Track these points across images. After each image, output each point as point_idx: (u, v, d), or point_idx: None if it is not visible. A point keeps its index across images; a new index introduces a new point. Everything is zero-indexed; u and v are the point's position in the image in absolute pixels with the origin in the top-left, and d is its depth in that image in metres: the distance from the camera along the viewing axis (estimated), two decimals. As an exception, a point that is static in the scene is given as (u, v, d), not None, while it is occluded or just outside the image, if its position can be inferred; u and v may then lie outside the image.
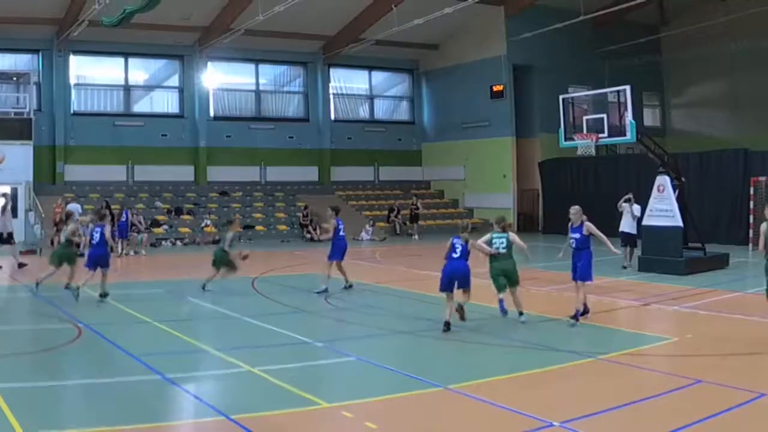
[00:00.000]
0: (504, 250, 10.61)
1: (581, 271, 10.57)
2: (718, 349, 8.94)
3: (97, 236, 12.69)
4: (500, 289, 10.68)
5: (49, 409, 6.59)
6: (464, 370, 8.06)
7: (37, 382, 7.39)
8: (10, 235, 17.84)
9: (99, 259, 12.66)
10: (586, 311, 10.77)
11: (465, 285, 10.30)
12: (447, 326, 9.97)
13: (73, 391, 7.23)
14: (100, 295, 12.58)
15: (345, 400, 6.80)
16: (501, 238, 10.65)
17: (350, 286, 13.94)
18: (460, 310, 10.14)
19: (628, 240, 16.90)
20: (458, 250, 10.28)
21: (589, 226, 10.60)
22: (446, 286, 10.20)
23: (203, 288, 13.71)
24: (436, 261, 18.76)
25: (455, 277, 10.18)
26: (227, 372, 7.95)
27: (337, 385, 7.77)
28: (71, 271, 13.05)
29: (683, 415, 6.34)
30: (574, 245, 10.71)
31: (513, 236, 10.85)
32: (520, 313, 10.64)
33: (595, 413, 6.40)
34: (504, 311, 10.74)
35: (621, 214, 17.10)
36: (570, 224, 10.86)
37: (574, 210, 10.79)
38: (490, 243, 10.66)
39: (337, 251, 13.95)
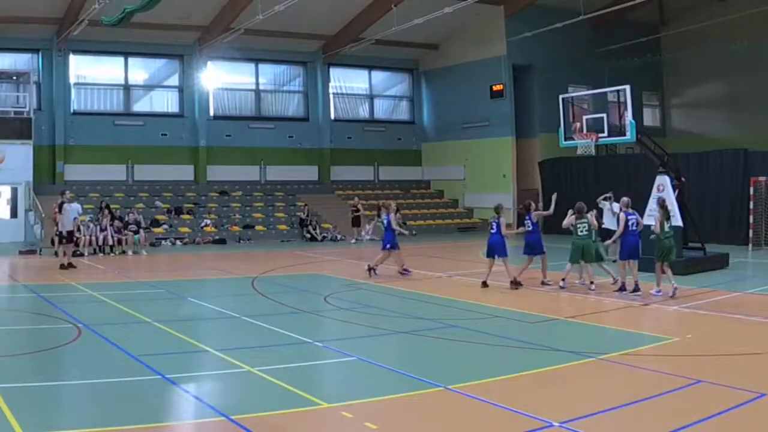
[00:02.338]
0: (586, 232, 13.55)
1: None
2: (718, 349, 8.94)
3: (384, 223, 16.17)
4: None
5: (49, 409, 6.58)
6: (464, 370, 8.05)
7: (37, 382, 7.38)
8: (70, 234, 18.06)
9: (391, 241, 15.97)
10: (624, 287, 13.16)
11: (500, 254, 13.75)
12: (484, 284, 13.79)
13: (73, 391, 7.22)
14: (369, 268, 15.83)
15: (345, 400, 6.79)
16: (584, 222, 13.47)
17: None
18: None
19: (610, 236, 17.08)
20: (494, 227, 13.80)
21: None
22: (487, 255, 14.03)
23: None
24: (437, 262, 18.86)
25: (491, 247, 13.79)
26: (227, 372, 7.94)
27: (337, 385, 7.76)
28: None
29: (683, 415, 6.34)
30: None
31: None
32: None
33: (595, 413, 6.40)
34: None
35: (602, 211, 17.54)
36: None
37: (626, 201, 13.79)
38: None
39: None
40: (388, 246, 16.04)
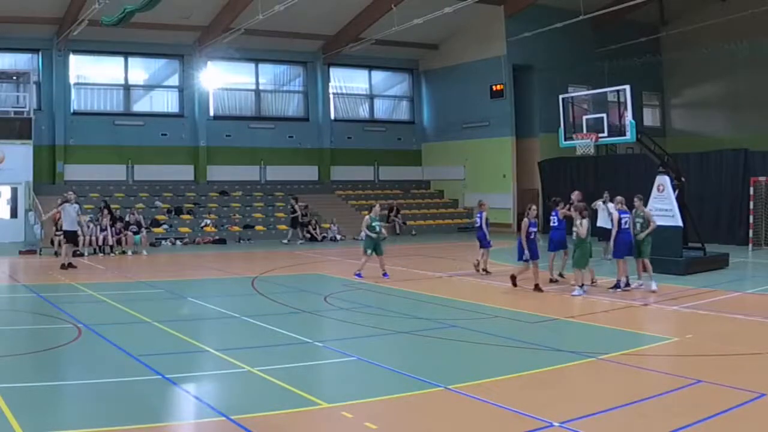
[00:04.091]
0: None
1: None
2: (718, 349, 8.94)
3: (477, 222, 16.21)
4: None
5: (49, 409, 6.59)
6: (464, 370, 8.05)
7: (37, 382, 7.38)
8: (75, 233, 18.03)
9: (482, 240, 15.97)
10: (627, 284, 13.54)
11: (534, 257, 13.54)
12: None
13: (73, 391, 7.22)
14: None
15: (345, 400, 6.80)
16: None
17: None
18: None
19: (605, 235, 17.14)
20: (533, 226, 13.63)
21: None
22: None
23: None
24: (437, 262, 18.86)
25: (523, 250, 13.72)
26: (227, 372, 7.95)
27: (337, 385, 7.76)
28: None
29: (683, 415, 6.34)
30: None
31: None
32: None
33: (595, 413, 6.40)
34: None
35: (596, 211, 17.64)
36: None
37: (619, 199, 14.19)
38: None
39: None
40: (489, 245, 16.10)
